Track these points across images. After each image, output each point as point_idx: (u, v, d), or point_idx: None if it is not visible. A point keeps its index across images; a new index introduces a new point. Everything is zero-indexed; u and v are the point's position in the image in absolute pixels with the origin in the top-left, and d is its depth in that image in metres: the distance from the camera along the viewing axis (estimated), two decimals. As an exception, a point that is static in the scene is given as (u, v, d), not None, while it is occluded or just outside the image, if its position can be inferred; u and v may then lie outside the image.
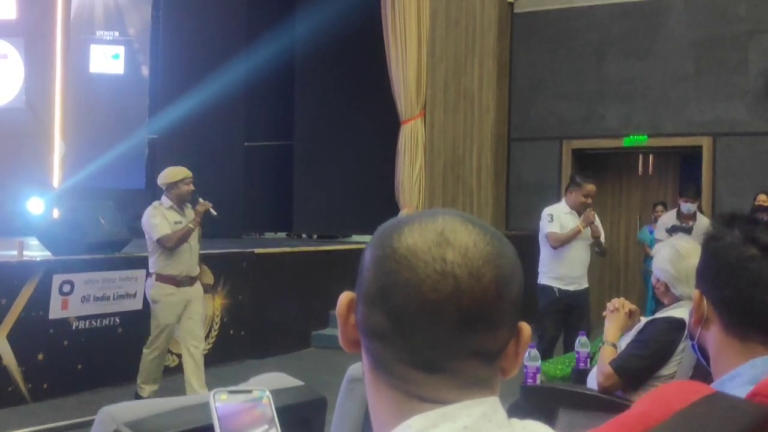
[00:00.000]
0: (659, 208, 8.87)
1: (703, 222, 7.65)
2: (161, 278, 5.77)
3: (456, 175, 10.88)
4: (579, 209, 6.18)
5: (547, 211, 6.30)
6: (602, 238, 6.38)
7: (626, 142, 10.30)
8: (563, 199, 6.44)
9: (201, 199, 5.84)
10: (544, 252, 6.25)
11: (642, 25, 10.22)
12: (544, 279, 6.20)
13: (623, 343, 3.34)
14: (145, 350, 5.96)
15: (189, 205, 5.89)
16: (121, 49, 11.47)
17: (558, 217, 6.20)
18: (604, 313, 3.51)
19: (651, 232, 8.90)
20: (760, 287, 1.34)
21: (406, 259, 0.80)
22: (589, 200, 6.22)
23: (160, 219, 5.67)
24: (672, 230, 7.44)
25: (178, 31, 10.90)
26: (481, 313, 0.80)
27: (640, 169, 10.90)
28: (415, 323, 0.79)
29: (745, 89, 9.71)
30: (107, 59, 11.46)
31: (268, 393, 1.26)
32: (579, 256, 6.21)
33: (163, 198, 5.81)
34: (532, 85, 10.87)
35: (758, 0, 9.66)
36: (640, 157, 10.90)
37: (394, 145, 11.19)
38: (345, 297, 0.87)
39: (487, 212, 10.74)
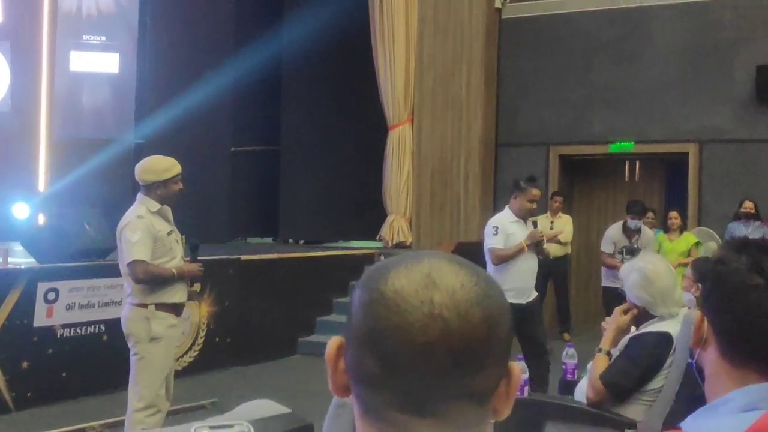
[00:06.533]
0: (649, 214, 8.90)
1: (647, 234, 8.00)
2: (163, 307, 4.53)
3: (443, 181, 10.88)
4: (525, 216, 5.99)
5: (491, 222, 6.02)
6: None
7: (612, 148, 10.32)
8: (507, 207, 6.13)
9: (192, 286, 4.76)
10: (490, 265, 5.91)
11: (628, 32, 10.26)
12: None
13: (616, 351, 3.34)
14: (138, 415, 4.49)
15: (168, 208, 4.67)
16: (107, 54, 11.41)
17: (503, 228, 5.90)
18: (603, 324, 3.48)
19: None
20: (759, 318, 1.33)
21: (393, 302, 0.80)
22: (535, 206, 6.03)
23: (141, 235, 4.41)
24: (622, 251, 7.83)
25: (166, 37, 10.87)
26: (472, 355, 0.80)
27: (627, 175, 10.94)
28: (406, 367, 0.79)
29: (731, 96, 9.75)
30: (94, 64, 11.40)
31: (250, 428, 1.24)
32: (529, 267, 5.97)
33: (147, 199, 4.55)
34: (520, 92, 10.89)
35: (744, 7, 9.71)
36: (627, 163, 10.93)
37: (381, 151, 11.19)
38: (334, 342, 0.86)
39: (475, 218, 10.74)
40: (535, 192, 6.00)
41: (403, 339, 0.79)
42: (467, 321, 0.79)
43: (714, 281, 1.42)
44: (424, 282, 0.80)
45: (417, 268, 0.82)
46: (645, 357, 3.17)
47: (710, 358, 1.41)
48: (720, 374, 1.39)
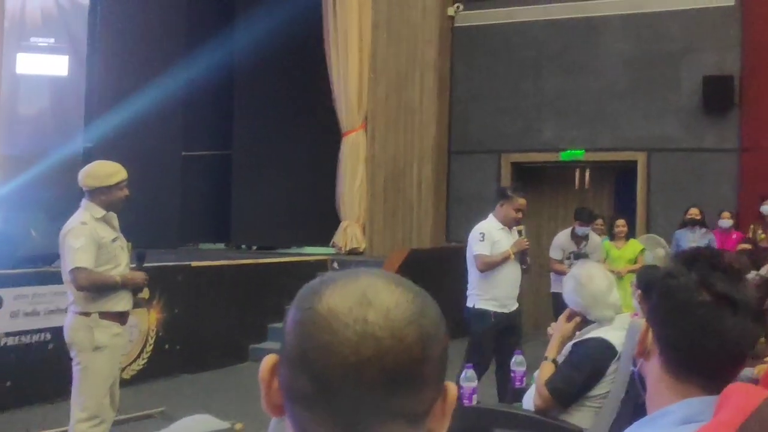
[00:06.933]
0: (598, 221, 9.02)
1: (594, 240, 8.13)
2: (107, 315, 4.42)
3: (397, 187, 10.90)
4: (510, 224, 5.97)
5: (478, 228, 5.95)
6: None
7: (563, 156, 10.46)
8: (491, 215, 6.09)
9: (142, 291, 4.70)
10: (476, 273, 5.87)
11: (579, 42, 10.41)
12: (478, 302, 5.83)
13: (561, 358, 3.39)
14: (81, 425, 4.38)
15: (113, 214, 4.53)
16: (56, 57, 11.22)
17: (490, 235, 5.85)
18: (549, 330, 3.55)
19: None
20: (705, 334, 1.35)
21: (326, 321, 0.79)
22: (521, 215, 6.01)
23: (84, 241, 4.30)
24: (570, 257, 7.94)
25: (116, 40, 10.71)
26: (405, 375, 0.79)
27: (577, 182, 11.07)
28: (337, 386, 0.78)
29: (679, 106, 9.95)
30: (42, 66, 11.20)
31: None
32: (514, 276, 5.96)
33: (91, 205, 4.43)
34: (472, 99, 10.97)
35: (691, 19, 9.92)
36: (577, 171, 11.07)
37: (335, 157, 11.18)
38: (268, 360, 0.85)
39: (427, 224, 10.79)
40: (522, 201, 5.99)
41: (336, 358, 0.78)
42: (401, 341, 0.78)
43: (662, 295, 1.43)
44: (358, 300, 0.80)
45: (352, 286, 0.81)
46: (587, 363, 3.22)
47: (653, 370, 1.43)
48: (661, 386, 1.40)
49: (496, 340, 5.83)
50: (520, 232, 6.05)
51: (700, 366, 1.36)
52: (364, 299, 0.80)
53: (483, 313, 5.81)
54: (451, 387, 0.85)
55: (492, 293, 5.83)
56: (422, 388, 0.80)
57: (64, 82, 11.23)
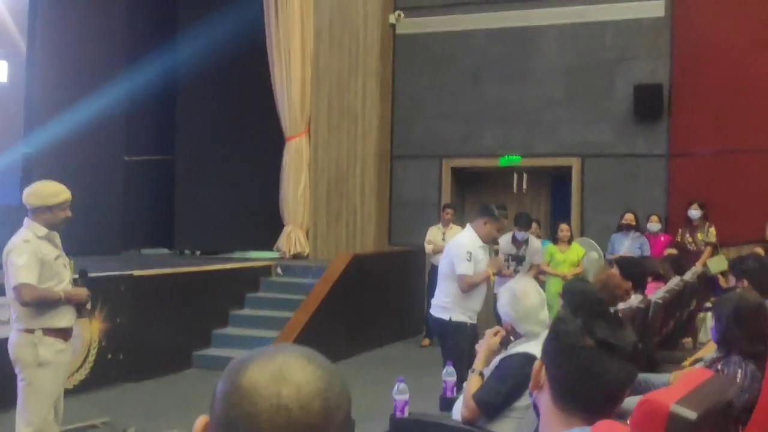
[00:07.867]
0: (534, 225, 9.29)
1: (533, 244, 8.53)
2: (51, 332, 4.50)
3: (340, 192, 11.06)
4: (489, 241, 6.16)
5: (464, 245, 6.03)
6: None
7: (501, 161, 10.73)
8: (470, 227, 6.20)
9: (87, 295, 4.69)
10: (455, 287, 5.98)
11: (517, 51, 10.68)
12: (455, 315, 5.98)
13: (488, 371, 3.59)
14: None
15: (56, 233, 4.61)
16: (-6, 61, 11.08)
17: (474, 254, 5.97)
18: (477, 346, 3.75)
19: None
20: (587, 375, 1.56)
21: (248, 393, 0.96)
22: (500, 235, 6.31)
23: (28, 258, 4.38)
24: (508, 259, 8.19)
25: (57, 45, 10.63)
26: None
27: (515, 187, 11.34)
28: None
29: (612, 113, 10.29)
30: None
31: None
32: (484, 290, 6.20)
33: (34, 224, 4.50)
34: (414, 105, 11.17)
35: (624, 30, 10.25)
36: (515, 175, 11.33)
37: (278, 162, 11.28)
38: (201, 421, 1.02)
39: (370, 229, 10.96)
40: (506, 222, 6.30)
41: (254, 426, 0.94)
42: (307, 412, 0.95)
43: (552, 337, 1.65)
44: (275, 377, 0.96)
45: (270, 364, 0.98)
46: (512, 377, 3.42)
47: (544, 401, 1.64)
48: (551, 416, 1.62)
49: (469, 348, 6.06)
50: (496, 252, 6.34)
51: (582, 402, 1.57)
52: (280, 375, 0.96)
53: (461, 326, 5.97)
54: None
55: (471, 307, 6.04)
56: None
57: (3, 88, 11.11)
